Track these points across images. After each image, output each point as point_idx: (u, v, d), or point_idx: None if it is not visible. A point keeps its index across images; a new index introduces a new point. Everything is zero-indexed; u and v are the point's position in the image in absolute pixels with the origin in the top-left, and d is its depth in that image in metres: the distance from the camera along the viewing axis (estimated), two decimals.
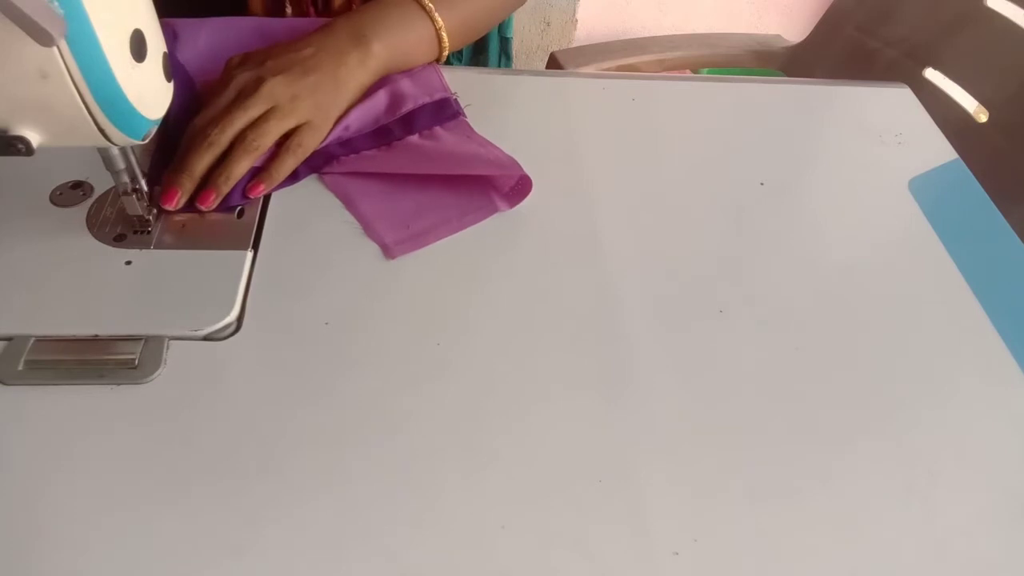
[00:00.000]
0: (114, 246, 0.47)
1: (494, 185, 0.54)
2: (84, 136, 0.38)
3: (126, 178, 0.45)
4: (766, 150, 0.62)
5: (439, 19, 0.59)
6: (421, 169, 0.54)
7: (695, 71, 1.29)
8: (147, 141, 0.41)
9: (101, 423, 0.39)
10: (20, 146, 0.37)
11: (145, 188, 0.47)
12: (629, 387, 0.43)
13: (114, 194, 0.50)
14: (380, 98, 0.58)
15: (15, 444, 0.38)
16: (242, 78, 0.52)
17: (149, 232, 0.48)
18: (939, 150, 0.64)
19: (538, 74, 0.69)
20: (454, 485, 0.38)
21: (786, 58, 1.24)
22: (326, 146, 0.55)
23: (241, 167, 0.50)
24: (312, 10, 0.69)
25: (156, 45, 0.39)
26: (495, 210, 0.53)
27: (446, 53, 0.62)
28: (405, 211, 0.52)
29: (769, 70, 1.25)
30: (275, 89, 0.52)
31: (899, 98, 0.70)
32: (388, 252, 0.49)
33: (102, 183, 0.51)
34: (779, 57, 1.25)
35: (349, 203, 0.53)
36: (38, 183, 0.51)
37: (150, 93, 0.39)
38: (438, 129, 0.57)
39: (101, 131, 0.38)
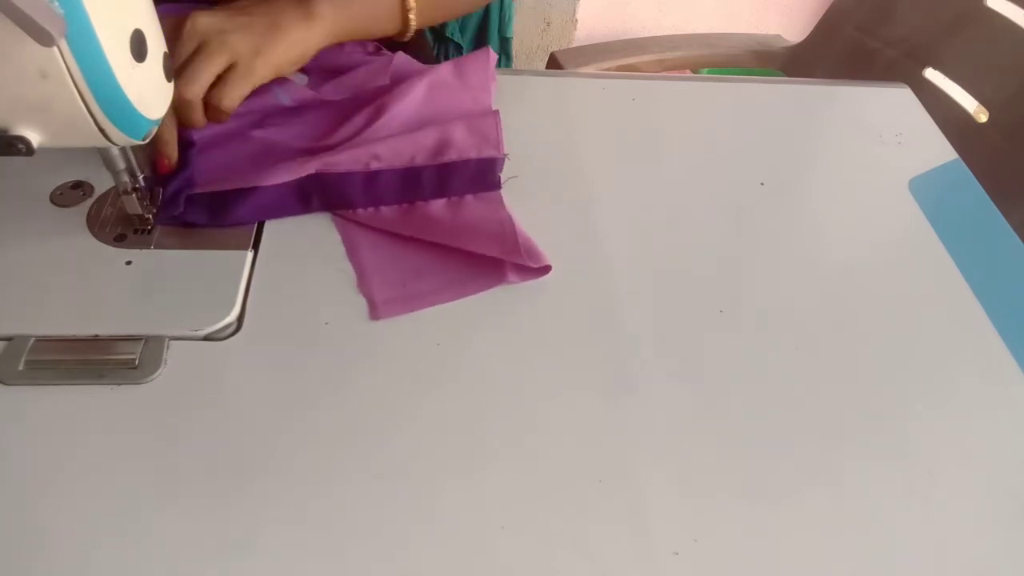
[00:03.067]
0: (114, 246, 0.47)
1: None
2: (84, 136, 0.38)
3: (126, 178, 0.45)
4: (766, 150, 0.62)
5: None
6: (439, 239, 0.49)
7: (695, 71, 1.29)
8: (147, 141, 0.41)
9: (101, 423, 0.39)
10: (20, 146, 0.37)
11: (144, 184, 0.47)
12: (629, 387, 0.43)
13: (114, 194, 0.50)
14: (424, 136, 0.54)
15: (15, 444, 0.38)
16: (167, 22, 0.49)
17: (149, 232, 0.48)
18: (939, 150, 0.64)
19: (538, 74, 0.69)
20: (454, 485, 0.38)
21: (786, 58, 1.24)
22: (349, 185, 0.51)
23: (189, 122, 0.50)
24: None
25: (156, 45, 0.39)
26: (504, 280, 0.48)
27: (413, 27, 0.59)
28: (406, 267, 0.48)
29: (769, 70, 1.25)
30: (198, 23, 0.48)
31: (899, 98, 0.70)
32: (374, 312, 0.45)
33: (102, 183, 0.51)
34: (779, 57, 1.25)
35: (351, 248, 0.49)
36: (38, 183, 0.51)
37: (150, 93, 0.40)
38: (469, 198, 0.52)
39: (101, 131, 0.38)
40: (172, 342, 0.43)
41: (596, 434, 0.41)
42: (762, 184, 0.59)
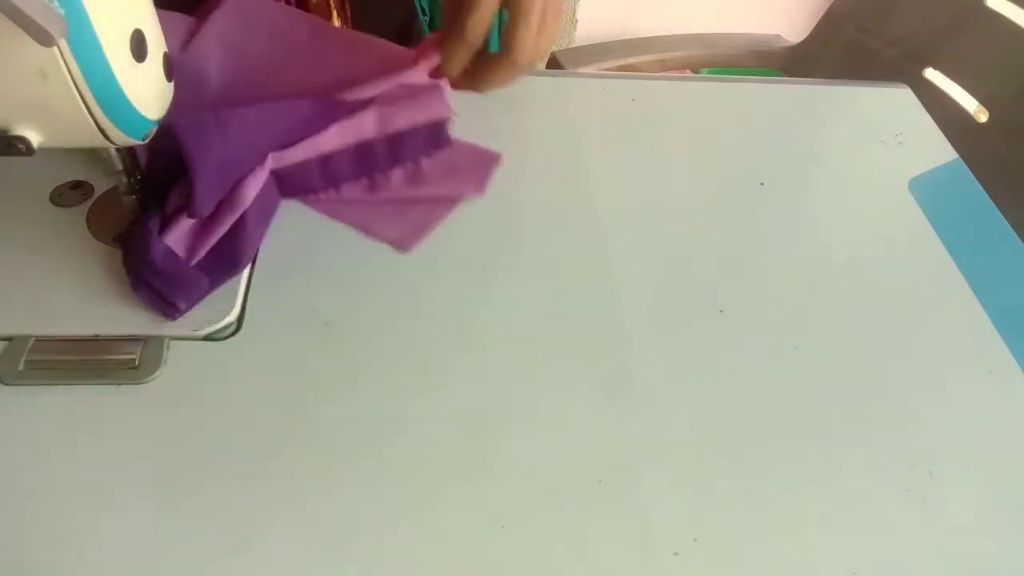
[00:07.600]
0: (114, 246, 0.47)
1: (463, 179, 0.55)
2: (84, 136, 0.38)
3: (126, 178, 0.45)
4: (766, 150, 0.62)
5: None
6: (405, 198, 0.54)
7: (695, 71, 1.29)
8: (147, 141, 0.41)
9: (101, 423, 0.39)
10: (20, 146, 0.37)
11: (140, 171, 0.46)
12: (629, 387, 0.43)
13: (114, 194, 0.50)
14: (368, 116, 0.53)
15: (15, 444, 0.38)
16: None
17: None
18: (939, 150, 0.64)
19: (538, 74, 0.69)
20: (454, 485, 0.38)
21: (786, 58, 1.24)
22: (305, 174, 0.51)
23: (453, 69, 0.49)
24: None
25: (156, 45, 0.39)
26: (470, 192, 0.54)
27: None
28: (393, 208, 0.52)
29: (769, 70, 1.25)
30: None
31: (899, 98, 0.70)
32: (400, 246, 0.50)
33: (102, 183, 0.51)
34: (779, 57, 1.25)
35: (337, 214, 0.51)
36: (38, 183, 0.51)
37: (150, 93, 0.39)
38: (425, 162, 0.55)
39: (101, 131, 0.38)
40: (172, 342, 0.43)
41: (596, 434, 0.41)
42: (762, 184, 0.59)
